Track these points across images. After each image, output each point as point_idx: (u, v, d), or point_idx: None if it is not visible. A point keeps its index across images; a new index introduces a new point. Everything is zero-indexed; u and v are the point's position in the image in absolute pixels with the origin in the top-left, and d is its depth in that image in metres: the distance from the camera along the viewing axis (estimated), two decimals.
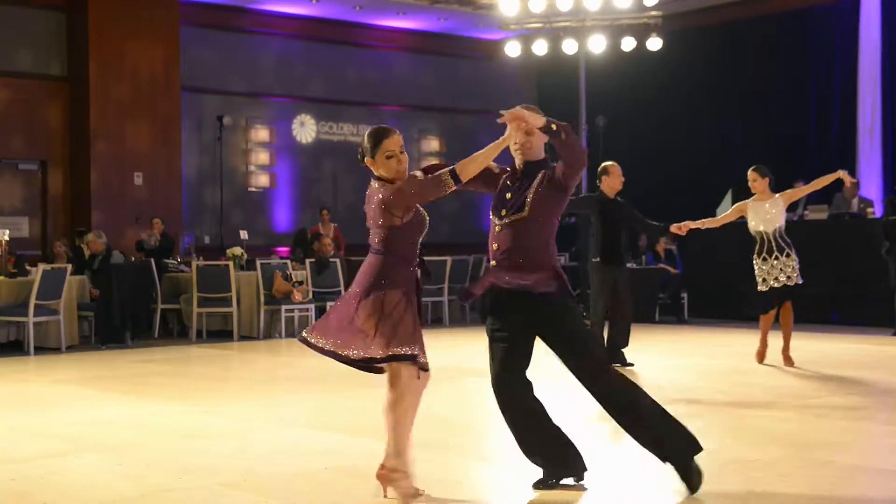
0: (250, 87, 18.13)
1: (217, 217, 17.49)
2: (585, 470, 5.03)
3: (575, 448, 5.01)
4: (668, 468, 4.86)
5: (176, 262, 13.76)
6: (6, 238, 11.93)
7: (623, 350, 9.49)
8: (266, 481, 5.22)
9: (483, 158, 4.80)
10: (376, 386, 8.06)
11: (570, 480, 5.01)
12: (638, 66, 16.75)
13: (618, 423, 4.98)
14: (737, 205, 9.49)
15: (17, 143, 15.98)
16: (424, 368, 4.78)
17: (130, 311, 12.16)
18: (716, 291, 14.34)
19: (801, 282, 9.13)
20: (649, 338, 11.80)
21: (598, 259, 9.38)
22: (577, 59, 15.26)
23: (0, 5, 15.57)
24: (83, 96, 15.89)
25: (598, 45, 15.00)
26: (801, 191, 9.80)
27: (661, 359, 10.19)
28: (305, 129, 18.83)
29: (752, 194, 9.33)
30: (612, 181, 9.35)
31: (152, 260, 13.28)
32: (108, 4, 15.81)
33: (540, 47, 15.52)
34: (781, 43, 17.40)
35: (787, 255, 9.11)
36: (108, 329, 11.91)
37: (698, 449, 4.87)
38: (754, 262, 9.25)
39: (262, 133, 18.20)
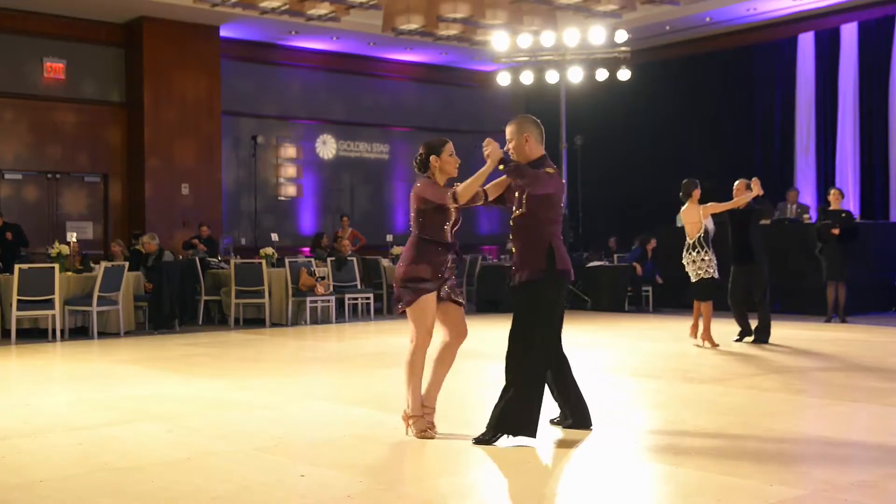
0: (280, 111, 18.13)
1: (252, 222, 17.50)
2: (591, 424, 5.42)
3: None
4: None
5: (217, 260, 13.77)
6: (74, 239, 11.94)
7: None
8: (294, 446, 5.24)
9: (472, 183, 5.16)
10: (386, 367, 8.09)
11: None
12: (610, 94, 16.77)
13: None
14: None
15: (83, 159, 16.00)
16: None
17: (179, 302, 12.17)
18: (680, 285, 14.22)
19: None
20: (619, 324, 11.79)
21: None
22: (558, 87, 15.30)
23: (69, 42, 15.62)
24: (139, 119, 15.90)
25: (576, 75, 15.03)
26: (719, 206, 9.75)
27: (628, 342, 10.20)
28: (327, 147, 18.82)
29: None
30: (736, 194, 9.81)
31: (198, 258, 13.32)
32: (159, 41, 15.82)
33: (527, 77, 15.53)
34: (731, 75, 17.42)
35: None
36: (160, 317, 11.92)
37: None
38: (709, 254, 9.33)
39: (290, 150, 18.20)
